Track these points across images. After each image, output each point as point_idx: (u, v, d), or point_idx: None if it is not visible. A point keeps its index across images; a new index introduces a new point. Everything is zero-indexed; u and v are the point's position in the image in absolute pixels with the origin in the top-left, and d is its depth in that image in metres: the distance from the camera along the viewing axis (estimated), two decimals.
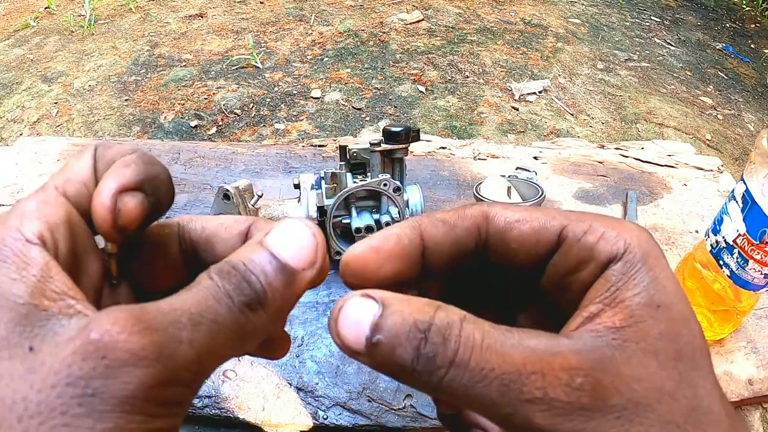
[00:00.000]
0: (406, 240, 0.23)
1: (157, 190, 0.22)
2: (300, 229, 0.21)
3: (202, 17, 2.95)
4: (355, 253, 0.23)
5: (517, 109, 2.36)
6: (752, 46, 3.12)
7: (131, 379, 0.16)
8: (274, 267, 0.20)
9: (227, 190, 0.71)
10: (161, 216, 0.23)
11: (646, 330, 0.19)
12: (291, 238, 0.21)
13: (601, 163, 1.03)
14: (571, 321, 0.21)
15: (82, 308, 0.18)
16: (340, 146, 0.76)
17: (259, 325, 0.20)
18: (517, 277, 0.24)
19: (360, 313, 0.20)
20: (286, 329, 0.26)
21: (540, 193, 0.81)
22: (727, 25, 3.31)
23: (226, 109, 2.29)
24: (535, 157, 1.03)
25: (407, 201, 0.76)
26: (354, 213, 0.74)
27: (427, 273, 0.24)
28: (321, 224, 0.75)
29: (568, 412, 0.18)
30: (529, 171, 0.90)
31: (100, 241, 0.23)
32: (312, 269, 0.21)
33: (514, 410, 0.18)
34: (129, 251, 0.23)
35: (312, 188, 0.77)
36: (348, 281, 0.23)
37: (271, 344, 0.25)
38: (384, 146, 0.72)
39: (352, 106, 2.34)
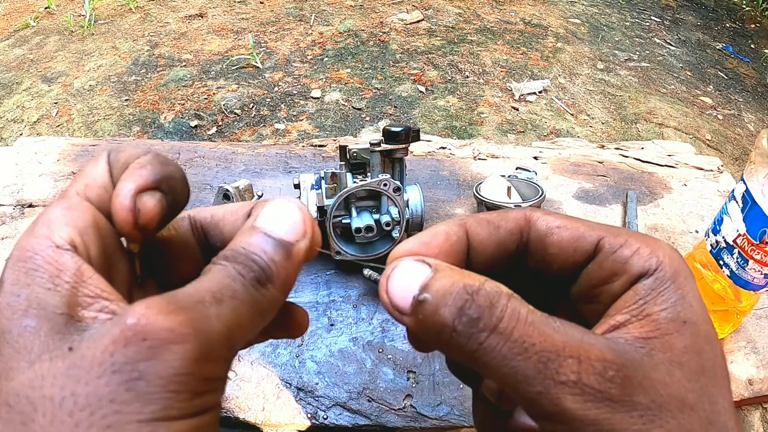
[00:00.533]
0: (454, 237, 0.24)
1: (173, 188, 0.23)
2: (285, 207, 0.23)
3: (202, 17, 2.95)
4: (406, 248, 0.24)
5: (517, 109, 2.36)
6: (752, 46, 3.12)
7: (174, 356, 0.17)
8: (271, 245, 0.21)
9: (227, 190, 0.71)
10: (178, 213, 0.24)
11: (672, 343, 0.20)
12: (279, 216, 0.22)
13: (601, 163, 1.03)
14: (597, 327, 0.22)
15: (117, 308, 0.18)
16: (340, 146, 0.76)
17: (271, 297, 0.21)
18: (551, 283, 0.25)
19: (412, 274, 0.21)
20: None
21: (540, 193, 0.81)
22: (727, 25, 3.31)
23: (226, 109, 2.29)
24: (535, 157, 1.03)
25: (407, 201, 0.76)
26: (354, 213, 0.74)
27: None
28: (321, 224, 0.75)
29: (598, 399, 0.19)
30: (529, 171, 0.90)
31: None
32: (305, 239, 0.22)
33: (547, 390, 0.19)
34: (151, 249, 0.24)
35: (312, 188, 0.77)
36: None
37: (289, 322, 0.26)
38: (384, 146, 0.72)
39: (352, 106, 2.34)
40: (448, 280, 0.21)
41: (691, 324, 0.20)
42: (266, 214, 0.22)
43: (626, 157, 1.05)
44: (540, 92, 2.46)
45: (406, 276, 0.21)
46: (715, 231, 0.62)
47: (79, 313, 0.18)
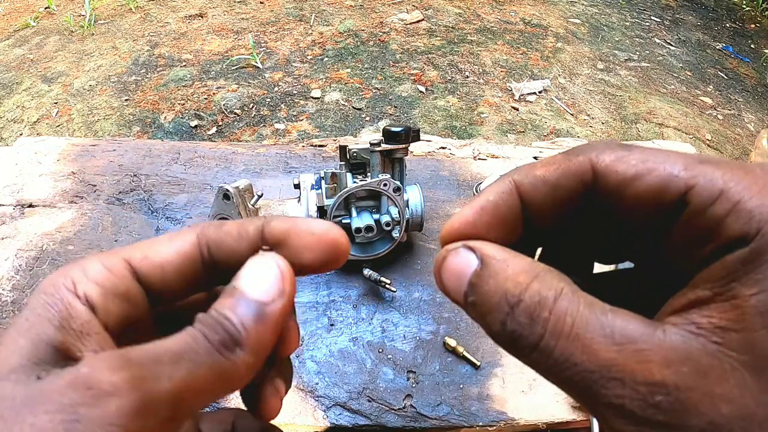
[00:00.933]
0: (503, 207, 0.22)
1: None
2: (264, 263, 0.22)
3: (202, 17, 2.95)
4: (452, 228, 0.22)
5: (517, 109, 2.36)
6: (752, 46, 3.12)
7: (110, 407, 0.18)
8: (243, 306, 0.21)
9: (227, 190, 0.71)
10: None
11: (755, 342, 0.16)
12: (256, 274, 0.22)
13: None
14: (676, 298, 0.19)
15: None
16: (340, 146, 0.76)
17: (242, 362, 0.20)
18: (627, 231, 0.22)
19: (460, 266, 0.21)
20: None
21: None
22: (727, 25, 3.31)
23: (226, 109, 2.29)
24: (535, 157, 1.03)
25: (407, 201, 0.76)
26: (354, 213, 0.74)
27: (528, 235, 0.23)
28: None
29: (642, 423, 0.17)
30: None
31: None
32: (281, 299, 0.21)
33: (592, 408, 0.18)
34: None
35: (312, 188, 0.77)
36: None
37: (281, 339, 0.25)
38: (384, 146, 0.72)
39: (352, 106, 2.34)
40: (493, 282, 0.19)
41: None
42: (245, 271, 0.22)
43: None
44: (540, 92, 2.46)
45: (456, 269, 0.21)
46: None
47: (71, 355, 0.20)
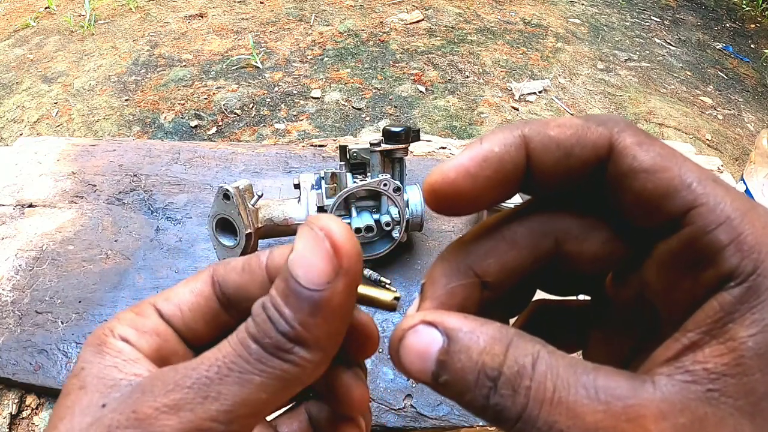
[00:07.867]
0: (509, 163, 0.19)
1: None
2: (309, 238, 0.19)
3: (202, 17, 2.95)
4: (446, 179, 0.19)
5: (517, 109, 2.36)
6: (752, 46, 3.12)
7: (155, 430, 0.18)
8: (294, 294, 0.18)
9: (227, 190, 0.71)
10: None
11: (752, 386, 0.16)
12: (304, 254, 0.19)
13: None
14: (666, 347, 0.18)
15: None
16: (340, 146, 0.76)
17: (304, 361, 0.19)
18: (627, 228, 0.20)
19: (424, 345, 0.19)
20: None
21: None
22: (727, 25, 3.31)
23: (226, 109, 2.29)
24: None
25: (407, 201, 0.76)
26: (354, 213, 0.74)
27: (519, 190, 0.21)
28: None
29: None
30: None
31: None
32: (339, 279, 0.19)
33: None
34: None
35: (312, 188, 0.77)
36: (433, 208, 0.20)
37: (356, 344, 0.23)
38: (384, 146, 0.72)
39: (352, 106, 2.34)
40: (466, 358, 0.18)
41: None
42: (294, 250, 0.19)
43: None
44: (540, 92, 2.46)
45: (418, 349, 0.19)
46: None
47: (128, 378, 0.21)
